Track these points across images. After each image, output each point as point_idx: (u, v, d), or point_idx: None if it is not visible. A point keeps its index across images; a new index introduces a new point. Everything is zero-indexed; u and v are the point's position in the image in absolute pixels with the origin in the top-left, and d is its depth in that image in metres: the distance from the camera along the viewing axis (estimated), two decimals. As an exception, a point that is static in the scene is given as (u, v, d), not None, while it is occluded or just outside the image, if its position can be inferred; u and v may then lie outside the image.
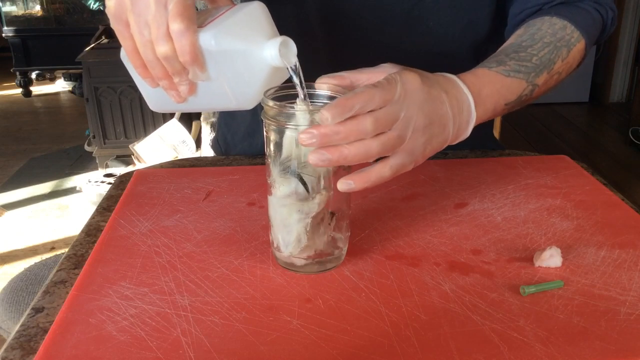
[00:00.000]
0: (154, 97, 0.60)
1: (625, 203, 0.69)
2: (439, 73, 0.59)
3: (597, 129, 3.42)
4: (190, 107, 0.58)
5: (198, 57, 0.51)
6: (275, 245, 0.56)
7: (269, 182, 0.54)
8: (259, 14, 0.55)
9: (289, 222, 0.54)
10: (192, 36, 0.50)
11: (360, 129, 0.49)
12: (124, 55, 0.56)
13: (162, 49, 0.50)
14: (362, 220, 0.66)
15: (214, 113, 2.24)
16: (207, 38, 0.51)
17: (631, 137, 3.05)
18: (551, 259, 0.56)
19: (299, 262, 0.55)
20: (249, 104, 0.56)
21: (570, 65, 0.72)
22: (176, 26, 0.49)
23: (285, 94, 0.54)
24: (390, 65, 0.56)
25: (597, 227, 0.64)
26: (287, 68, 0.53)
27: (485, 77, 0.62)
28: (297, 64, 0.53)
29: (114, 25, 0.52)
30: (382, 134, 0.50)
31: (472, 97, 0.59)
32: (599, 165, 2.84)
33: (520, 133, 3.28)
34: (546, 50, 0.68)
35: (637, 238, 0.62)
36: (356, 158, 0.49)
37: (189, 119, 2.58)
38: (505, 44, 0.71)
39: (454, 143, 0.59)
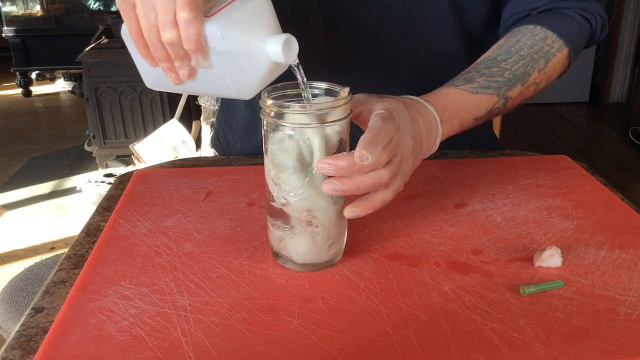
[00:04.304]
0: (152, 75, 0.61)
1: (625, 203, 0.69)
2: (406, 96, 0.62)
3: (597, 129, 3.42)
4: (187, 89, 0.59)
5: (202, 46, 0.53)
6: (326, 247, 0.55)
7: (289, 191, 0.53)
8: (265, 8, 0.56)
9: (341, 216, 0.56)
10: (198, 26, 0.51)
11: (374, 162, 0.51)
12: (125, 34, 0.57)
13: (168, 35, 0.52)
14: (362, 220, 0.65)
15: (214, 113, 2.24)
16: (214, 29, 0.52)
17: (631, 137, 3.05)
18: (551, 259, 0.56)
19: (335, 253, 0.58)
20: (247, 95, 0.57)
21: (550, 75, 0.73)
22: (184, 15, 0.50)
23: (283, 93, 0.55)
24: (364, 95, 0.59)
25: (597, 227, 0.64)
26: (290, 66, 0.55)
27: (451, 95, 0.66)
28: (297, 61, 0.55)
29: (119, 5, 0.53)
30: (389, 162, 0.53)
31: (438, 116, 0.63)
32: (599, 165, 2.84)
33: (520, 133, 3.28)
34: (521, 63, 0.70)
35: (637, 238, 0.62)
36: (369, 188, 0.53)
37: (189, 119, 2.58)
38: (480, 58, 0.73)
39: (425, 157, 0.63)
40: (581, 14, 0.75)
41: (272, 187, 0.54)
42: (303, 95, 0.55)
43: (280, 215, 0.54)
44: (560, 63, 0.73)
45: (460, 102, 0.66)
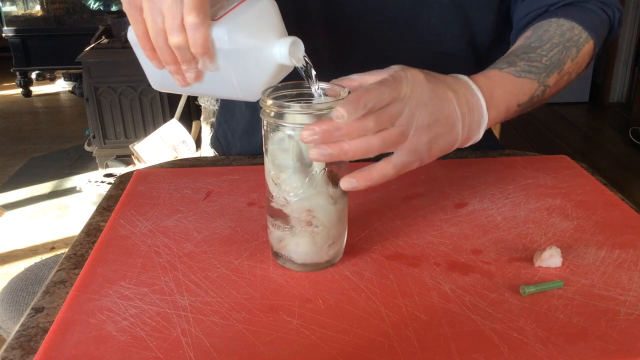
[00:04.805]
0: (158, 77, 0.61)
1: (625, 203, 0.69)
2: (450, 74, 0.58)
3: (597, 129, 3.42)
4: (193, 91, 0.60)
5: (209, 50, 0.53)
6: (326, 247, 0.55)
7: (289, 190, 0.53)
8: (271, 11, 0.57)
9: (344, 214, 0.56)
10: (206, 30, 0.52)
11: (362, 126, 0.49)
12: (132, 36, 0.57)
13: (176, 39, 0.52)
14: (362, 220, 0.66)
15: (214, 113, 2.24)
16: (221, 33, 0.53)
17: (631, 137, 3.05)
18: (551, 259, 0.56)
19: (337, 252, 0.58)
20: (254, 97, 0.57)
21: (580, 66, 0.71)
22: (191, 19, 0.51)
23: (283, 93, 0.55)
24: (398, 67, 0.56)
25: (597, 227, 0.64)
26: (298, 68, 0.55)
27: (497, 78, 0.62)
28: (308, 60, 0.55)
29: (126, 8, 0.54)
30: (383, 130, 0.51)
31: (483, 98, 0.58)
32: (599, 165, 2.84)
33: (520, 133, 3.28)
34: (555, 50, 0.67)
35: (637, 238, 0.62)
36: (357, 153, 0.50)
37: (189, 119, 2.58)
38: (513, 46, 0.70)
39: (465, 145, 0.58)
40: (600, 7, 0.74)
41: (272, 187, 0.54)
42: (315, 94, 0.54)
43: (280, 215, 0.54)
44: (587, 54, 0.72)
45: (506, 85, 0.62)
